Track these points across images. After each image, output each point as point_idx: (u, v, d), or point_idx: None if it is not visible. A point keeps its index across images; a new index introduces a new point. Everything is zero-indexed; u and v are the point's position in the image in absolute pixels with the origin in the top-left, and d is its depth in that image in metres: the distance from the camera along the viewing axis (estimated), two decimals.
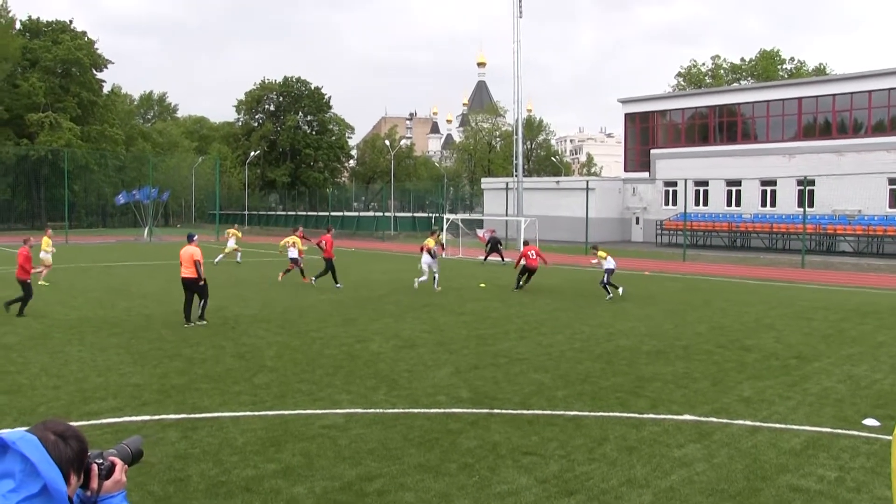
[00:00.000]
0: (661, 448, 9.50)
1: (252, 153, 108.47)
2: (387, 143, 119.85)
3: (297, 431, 10.04)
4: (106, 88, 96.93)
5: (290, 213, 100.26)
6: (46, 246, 29.23)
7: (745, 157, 61.46)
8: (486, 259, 42.36)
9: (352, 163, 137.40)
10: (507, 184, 64.95)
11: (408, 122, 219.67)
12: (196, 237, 20.42)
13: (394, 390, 12.38)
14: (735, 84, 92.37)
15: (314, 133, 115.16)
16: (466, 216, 68.63)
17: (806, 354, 15.94)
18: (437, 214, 79.92)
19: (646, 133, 71.77)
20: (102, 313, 20.80)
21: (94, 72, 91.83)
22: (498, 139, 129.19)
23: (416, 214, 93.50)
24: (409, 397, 11.95)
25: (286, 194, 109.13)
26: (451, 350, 16.02)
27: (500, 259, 41.53)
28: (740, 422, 10.74)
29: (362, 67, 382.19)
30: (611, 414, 11.10)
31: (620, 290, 25.80)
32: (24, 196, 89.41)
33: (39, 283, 27.15)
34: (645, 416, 11.01)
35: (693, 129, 68.43)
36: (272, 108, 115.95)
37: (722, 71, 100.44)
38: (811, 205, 52.89)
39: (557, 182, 75.79)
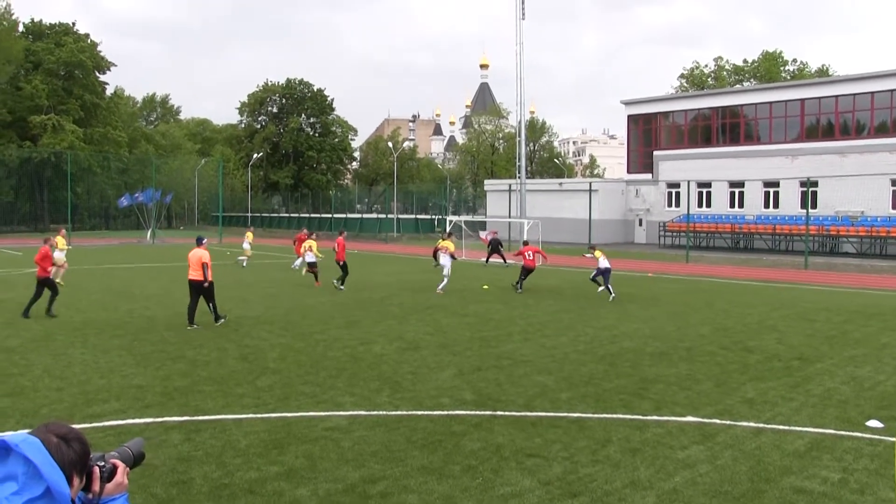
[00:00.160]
0: (664, 450, 9.48)
1: (255, 155, 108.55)
2: (390, 144, 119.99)
3: (301, 434, 10.03)
4: (109, 91, 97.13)
5: (293, 215, 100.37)
6: (60, 245, 29.37)
7: (748, 158, 61.44)
8: (487, 261, 42.35)
9: (355, 165, 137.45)
10: (510, 185, 64.97)
11: (411, 123, 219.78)
12: (205, 240, 20.53)
13: (397, 392, 12.37)
14: (738, 85, 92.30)
15: (317, 135, 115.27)
16: (469, 218, 68.71)
17: (809, 356, 15.92)
18: (440, 216, 79.95)
19: (649, 135, 71.74)
20: (105, 315, 20.81)
21: (97, 74, 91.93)
22: (501, 141, 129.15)
23: (419, 216, 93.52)
24: (413, 399, 11.94)
25: (289, 196, 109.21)
26: (454, 352, 16.01)
27: (502, 261, 41.54)
28: (744, 423, 10.72)
29: (365, 69, 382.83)
30: (614, 416, 11.09)
31: (612, 296, 25.91)
32: (27, 198, 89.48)
33: (57, 282, 27.24)
34: (648, 417, 11.00)
35: (696, 131, 68.40)
36: (275, 110, 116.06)
37: (724, 72, 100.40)
38: (814, 206, 52.92)
39: (560, 184, 75.79)
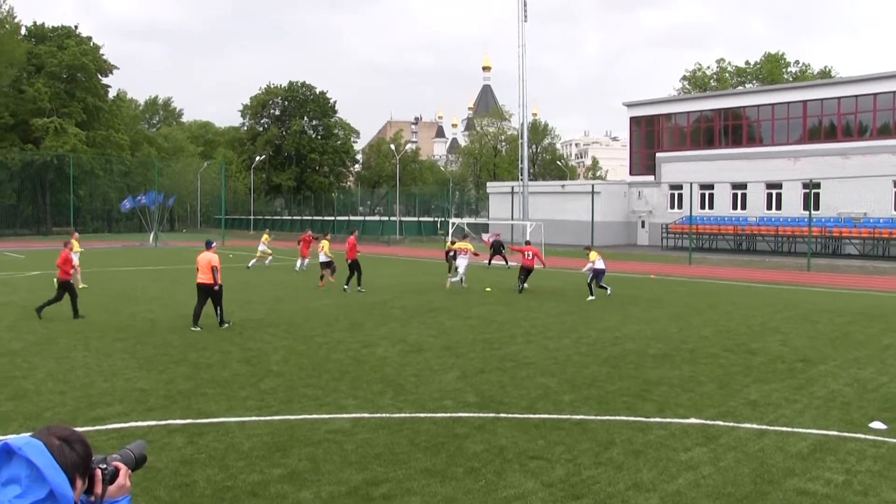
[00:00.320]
0: (667, 452, 9.48)
1: (257, 158, 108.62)
2: (392, 147, 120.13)
3: (304, 436, 10.03)
4: (111, 93, 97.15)
5: (295, 217, 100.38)
6: (74, 248, 29.44)
7: (751, 160, 61.43)
8: (489, 263, 42.35)
9: (357, 167, 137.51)
10: (512, 188, 65.06)
11: (413, 126, 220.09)
12: (215, 244, 20.60)
13: (400, 395, 12.37)
14: (740, 87, 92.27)
15: (319, 137, 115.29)
16: (472, 220, 68.67)
17: (812, 358, 15.91)
18: (443, 219, 79.94)
19: (651, 137, 71.72)
20: (108, 318, 20.82)
21: (100, 77, 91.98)
22: (503, 143, 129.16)
23: (421, 219, 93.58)
24: (416, 402, 11.94)
25: (292, 199, 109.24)
26: (457, 354, 16.01)
27: (504, 263, 41.55)
28: (747, 425, 10.72)
29: (367, 72, 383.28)
30: (617, 418, 11.09)
31: (608, 290, 26.67)
32: (30, 201, 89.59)
33: (80, 287, 27.40)
34: (651, 419, 10.99)
35: (698, 133, 68.39)
36: (277, 112, 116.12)
37: (727, 74, 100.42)
38: (817, 208, 52.90)
39: (563, 186, 75.75)
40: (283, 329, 19.21)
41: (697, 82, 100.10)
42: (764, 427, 10.63)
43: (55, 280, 21.46)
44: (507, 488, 8.20)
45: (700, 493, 8.08)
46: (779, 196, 60.21)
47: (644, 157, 71.69)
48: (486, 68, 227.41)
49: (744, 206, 62.34)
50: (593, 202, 55.86)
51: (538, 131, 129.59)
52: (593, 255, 27.51)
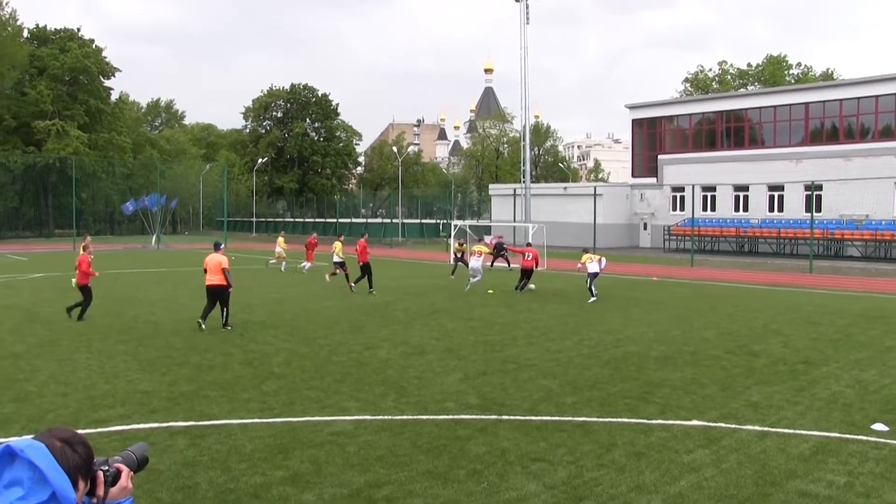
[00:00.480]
0: (669, 454, 9.47)
1: (260, 160, 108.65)
2: (394, 149, 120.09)
3: (306, 438, 10.03)
4: (113, 96, 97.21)
5: (297, 219, 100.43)
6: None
7: (753, 162, 61.41)
8: (492, 265, 42.35)
9: (359, 169, 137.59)
10: (514, 190, 65.07)
11: (415, 128, 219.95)
12: (223, 245, 20.71)
13: (402, 397, 12.37)
14: (742, 89, 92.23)
15: (322, 140, 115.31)
16: (474, 222, 68.68)
17: (814, 359, 15.90)
18: (445, 221, 79.97)
19: (653, 138, 71.69)
20: (110, 321, 20.83)
21: (102, 79, 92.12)
22: (505, 145, 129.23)
23: (423, 221, 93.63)
24: (418, 404, 11.94)
25: (294, 201, 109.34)
26: (459, 356, 16.01)
27: (506, 265, 41.56)
28: (749, 427, 10.71)
29: (369, 74, 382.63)
30: (619, 420, 11.09)
31: (592, 298, 26.55)
32: (32, 204, 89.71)
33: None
34: (653, 421, 10.99)
35: (700, 135, 68.35)
36: (280, 114, 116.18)
37: (729, 76, 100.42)
38: (819, 210, 52.89)
39: (565, 188, 75.74)
40: (285, 331, 19.21)
41: (699, 84, 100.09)
42: (766, 429, 10.63)
43: (74, 283, 21.60)
44: (509, 490, 8.20)
45: (702, 495, 8.08)
46: (781, 198, 60.18)
47: (646, 159, 71.66)
48: (487, 70, 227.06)
49: (746, 208, 62.31)
50: (595, 204, 55.85)
51: (540, 133, 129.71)
52: (585, 257, 27.92)
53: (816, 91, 62.27)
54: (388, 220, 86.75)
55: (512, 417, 11.16)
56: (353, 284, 28.99)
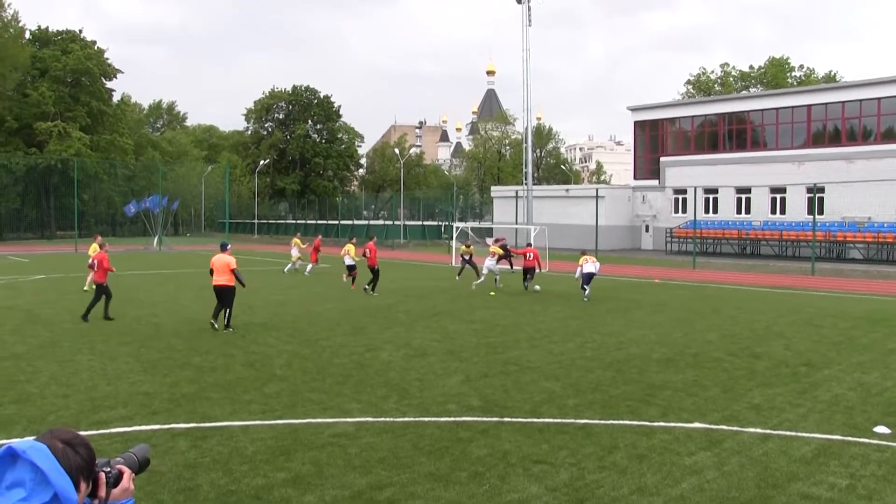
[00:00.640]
0: (671, 456, 9.47)
1: (261, 162, 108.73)
2: (396, 151, 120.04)
3: (307, 440, 10.03)
4: (115, 97, 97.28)
5: (299, 221, 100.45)
6: (94, 252, 29.78)
7: (755, 164, 61.40)
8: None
9: (361, 171, 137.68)
10: (516, 192, 65.08)
11: (417, 130, 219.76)
12: (230, 246, 20.78)
13: (404, 399, 12.37)
14: (744, 91, 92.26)
15: (324, 142, 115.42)
16: (476, 224, 68.67)
17: (816, 362, 15.89)
18: (447, 223, 79.98)
19: (655, 141, 71.70)
20: (112, 322, 20.82)
21: (104, 81, 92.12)
22: (507, 147, 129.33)
23: (425, 223, 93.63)
24: (420, 406, 11.93)
25: (296, 203, 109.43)
26: (461, 358, 16.01)
27: (508, 266, 41.51)
28: (751, 429, 10.70)
29: (371, 76, 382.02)
30: (621, 422, 11.08)
31: (585, 297, 27.16)
32: (34, 205, 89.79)
33: (84, 288, 27.63)
34: (655, 424, 10.98)
35: (702, 137, 68.35)
36: (282, 116, 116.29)
37: (731, 78, 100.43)
38: (821, 212, 52.86)
39: (567, 190, 75.79)
40: (286, 333, 19.21)
41: (702, 86, 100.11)
42: (768, 431, 10.62)
43: (88, 283, 21.77)
44: (511, 492, 8.19)
45: (704, 498, 8.07)
46: (783, 200, 60.17)
47: (648, 161, 71.67)
48: (490, 72, 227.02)
49: (748, 211, 62.30)
50: (597, 206, 55.83)
51: (542, 135, 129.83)
52: (582, 259, 28.19)
53: (819, 93, 62.28)
54: (390, 222, 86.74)
55: (514, 419, 11.15)
56: (367, 287, 29.14)
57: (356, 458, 9.25)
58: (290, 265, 39.94)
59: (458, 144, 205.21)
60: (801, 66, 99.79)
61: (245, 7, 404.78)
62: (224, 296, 19.55)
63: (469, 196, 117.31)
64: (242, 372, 14.41)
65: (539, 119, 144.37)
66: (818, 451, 9.75)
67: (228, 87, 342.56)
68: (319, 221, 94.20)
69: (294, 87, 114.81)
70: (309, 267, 38.30)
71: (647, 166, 71.45)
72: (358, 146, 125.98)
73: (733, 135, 66.05)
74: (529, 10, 58.50)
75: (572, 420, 11.14)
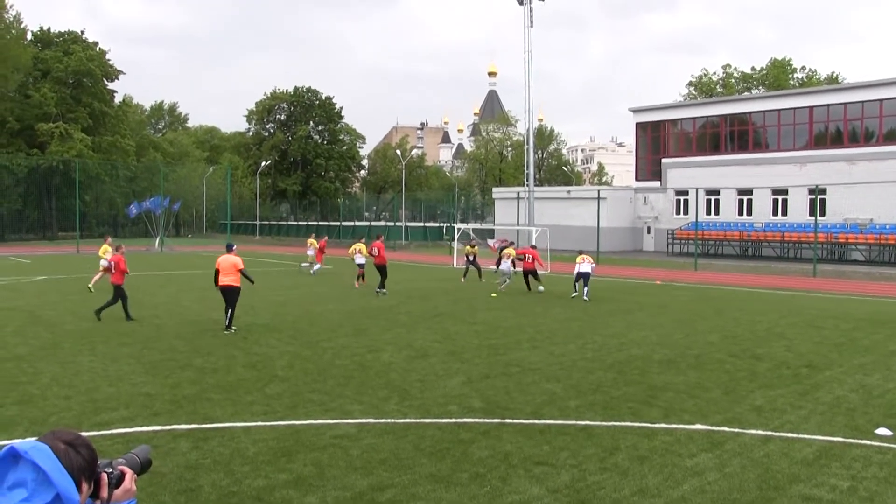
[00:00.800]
0: (672, 457, 9.46)
1: (263, 163, 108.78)
2: (398, 152, 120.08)
3: (309, 441, 10.03)
4: (117, 99, 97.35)
5: (301, 222, 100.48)
6: (104, 253, 29.96)
7: (757, 166, 61.40)
8: (497, 268, 42.31)
9: (363, 172, 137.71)
10: (518, 193, 64.97)
11: (419, 131, 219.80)
12: (235, 247, 20.88)
13: (405, 400, 12.37)
14: (746, 93, 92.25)
15: (325, 143, 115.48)
16: (478, 226, 68.65)
17: (818, 363, 15.88)
18: (449, 224, 79.98)
19: (657, 142, 71.74)
20: (113, 323, 20.82)
21: (105, 82, 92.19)
22: (509, 149, 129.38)
23: (427, 224, 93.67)
24: (421, 407, 11.93)
25: (297, 204, 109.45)
26: (462, 360, 16.00)
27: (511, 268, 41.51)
28: (752, 431, 10.70)
29: (372, 77, 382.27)
30: (622, 423, 11.07)
31: (574, 294, 28.05)
32: (36, 206, 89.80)
33: (88, 286, 27.69)
34: (657, 425, 10.98)
35: (704, 138, 68.38)
36: (283, 117, 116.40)
37: (733, 80, 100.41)
38: (823, 213, 52.81)
39: (569, 191, 75.77)
40: (288, 334, 19.22)
41: (703, 88, 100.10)
42: (769, 433, 10.62)
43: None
44: (512, 494, 8.19)
45: (705, 499, 8.07)
46: (785, 202, 60.18)
47: (650, 162, 71.71)
48: (491, 74, 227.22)
49: (750, 212, 62.30)
50: (599, 208, 55.77)
51: (544, 137, 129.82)
52: (580, 259, 28.63)
53: (821, 95, 62.27)
54: (392, 224, 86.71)
55: (515, 421, 11.15)
56: (378, 291, 29.20)
57: (358, 460, 9.25)
58: (316, 266, 39.57)
59: (460, 146, 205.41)
60: (804, 68, 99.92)
61: (246, 8, 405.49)
62: (229, 296, 19.59)
63: (471, 197, 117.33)
64: (244, 373, 14.41)
65: (541, 120, 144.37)
66: (820, 452, 9.74)
67: (230, 89, 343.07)
68: (321, 223, 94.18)
69: (296, 89, 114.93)
70: (315, 267, 38.43)
71: (649, 168, 71.49)
72: (359, 147, 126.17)
73: (735, 136, 66.07)
74: (531, 11, 58.46)
75: (573, 421, 11.14)
